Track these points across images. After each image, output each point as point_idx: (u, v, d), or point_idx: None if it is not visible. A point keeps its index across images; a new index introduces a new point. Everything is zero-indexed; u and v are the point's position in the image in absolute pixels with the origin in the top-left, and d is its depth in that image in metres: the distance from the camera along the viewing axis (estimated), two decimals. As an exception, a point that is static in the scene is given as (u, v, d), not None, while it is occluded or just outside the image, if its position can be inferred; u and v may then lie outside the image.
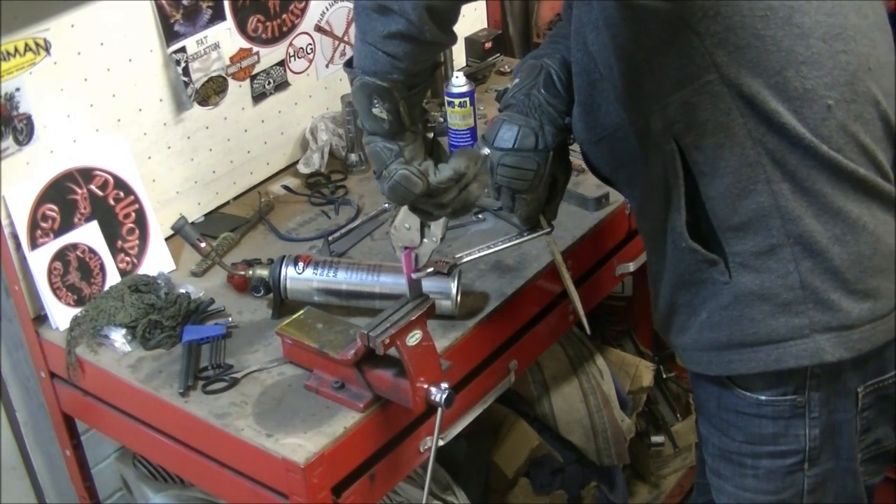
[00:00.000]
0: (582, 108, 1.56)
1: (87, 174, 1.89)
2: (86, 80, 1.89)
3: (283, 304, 1.82)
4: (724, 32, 1.37)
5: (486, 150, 1.65)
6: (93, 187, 1.90)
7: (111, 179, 1.92)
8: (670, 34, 1.38)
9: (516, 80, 1.72)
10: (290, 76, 2.24)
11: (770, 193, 1.43)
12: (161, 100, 2.02)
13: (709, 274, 1.50)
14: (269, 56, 2.18)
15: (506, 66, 2.60)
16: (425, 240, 1.58)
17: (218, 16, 2.04)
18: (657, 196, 1.50)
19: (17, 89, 1.78)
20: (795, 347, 1.48)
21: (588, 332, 1.74)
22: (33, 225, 1.82)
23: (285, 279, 1.80)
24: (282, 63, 2.21)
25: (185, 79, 2.02)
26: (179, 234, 1.92)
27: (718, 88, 1.39)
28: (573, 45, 1.54)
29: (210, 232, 2.02)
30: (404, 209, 1.57)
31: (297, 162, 2.29)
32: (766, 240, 1.46)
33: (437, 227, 1.57)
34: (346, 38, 2.33)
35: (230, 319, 1.83)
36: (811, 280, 1.46)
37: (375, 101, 1.43)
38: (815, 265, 1.46)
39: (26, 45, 1.77)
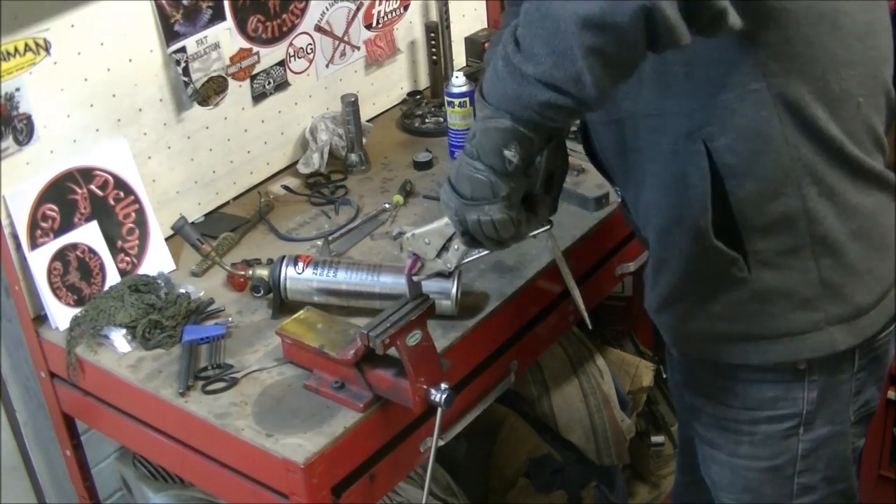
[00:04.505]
0: None
1: (87, 174, 1.89)
2: (86, 80, 1.89)
3: (283, 304, 1.82)
4: (780, 42, 1.37)
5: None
6: (93, 187, 1.90)
7: (111, 179, 1.92)
8: (729, 42, 1.36)
9: None
10: (290, 76, 2.24)
11: (799, 196, 1.44)
12: (161, 100, 2.02)
13: (726, 270, 1.50)
14: (269, 56, 2.18)
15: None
16: (438, 259, 1.56)
17: (218, 16, 2.04)
18: (673, 192, 1.49)
19: (17, 89, 1.78)
20: (811, 339, 1.51)
21: (589, 325, 1.73)
22: (33, 225, 1.82)
23: (285, 279, 1.80)
24: (282, 63, 2.21)
25: (185, 79, 2.02)
26: (179, 234, 1.92)
27: (764, 96, 1.39)
28: None
29: (210, 232, 2.02)
30: (435, 225, 1.53)
31: (297, 162, 2.29)
32: (790, 240, 1.47)
33: (454, 256, 1.55)
34: (345, 38, 2.33)
35: (230, 319, 1.83)
36: (829, 277, 1.49)
37: (513, 145, 1.35)
38: (834, 262, 1.48)
39: (26, 45, 1.77)
